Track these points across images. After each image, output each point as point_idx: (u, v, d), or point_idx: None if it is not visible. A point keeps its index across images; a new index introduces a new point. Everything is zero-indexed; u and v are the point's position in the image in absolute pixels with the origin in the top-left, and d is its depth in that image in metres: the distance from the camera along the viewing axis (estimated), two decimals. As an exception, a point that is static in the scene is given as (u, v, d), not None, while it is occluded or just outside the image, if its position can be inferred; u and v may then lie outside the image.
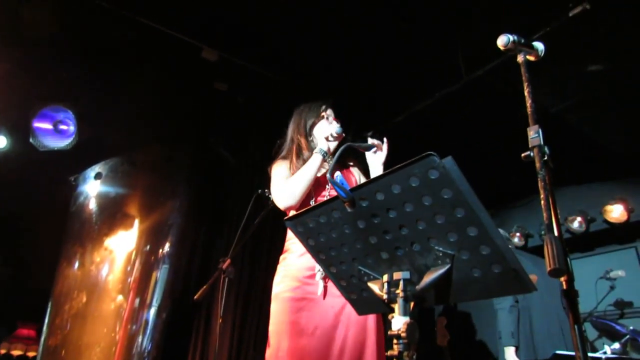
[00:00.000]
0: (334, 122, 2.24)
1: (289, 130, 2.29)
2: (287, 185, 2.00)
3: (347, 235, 1.18)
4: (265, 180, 2.33)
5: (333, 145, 2.11)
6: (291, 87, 4.07)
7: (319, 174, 2.06)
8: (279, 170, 2.12)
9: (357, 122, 4.27)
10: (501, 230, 3.90)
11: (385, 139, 2.07)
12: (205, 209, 4.66)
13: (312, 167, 2.02)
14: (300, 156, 2.15)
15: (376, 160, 2.05)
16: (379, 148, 2.05)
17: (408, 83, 4.03)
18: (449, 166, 0.96)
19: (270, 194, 2.80)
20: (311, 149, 2.16)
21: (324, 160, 2.06)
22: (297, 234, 1.27)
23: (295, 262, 1.96)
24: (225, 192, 4.72)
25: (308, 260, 1.90)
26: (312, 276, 1.90)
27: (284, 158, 2.20)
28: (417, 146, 2.02)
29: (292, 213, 2.13)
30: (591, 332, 4.02)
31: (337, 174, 1.97)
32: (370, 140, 1.98)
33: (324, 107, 2.27)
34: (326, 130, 2.09)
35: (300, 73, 4.01)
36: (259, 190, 2.83)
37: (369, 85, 4.11)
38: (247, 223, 2.99)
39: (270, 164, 2.21)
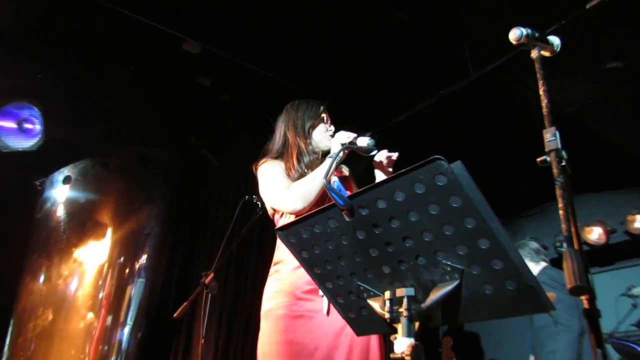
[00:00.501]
0: (331, 126, 2.26)
1: (279, 128, 2.29)
2: (298, 186, 1.96)
3: (345, 247, 1.17)
4: (252, 186, 2.32)
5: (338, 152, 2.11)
6: (282, 84, 4.08)
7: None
8: (275, 171, 2.08)
9: (353, 122, 4.28)
10: (533, 243, 3.92)
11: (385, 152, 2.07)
12: (186, 216, 4.65)
13: (330, 171, 2.00)
14: (302, 160, 2.14)
15: (383, 165, 2.05)
16: (389, 163, 2.06)
17: (409, 80, 4.05)
18: (458, 172, 0.95)
19: (258, 199, 2.80)
20: (310, 153, 2.16)
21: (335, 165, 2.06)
22: (289, 246, 1.26)
23: (290, 275, 1.94)
24: (209, 198, 4.71)
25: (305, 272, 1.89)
26: (313, 291, 1.88)
27: (276, 159, 2.19)
28: (419, 148, 2.04)
29: (281, 222, 2.15)
30: (612, 355, 4.03)
31: (334, 179, 1.97)
32: (366, 141, 1.97)
33: (322, 107, 2.27)
34: (344, 135, 2.05)
35: (292, 68, 4.02)
36: (246, 197, 2.82)
37: (367, 82, 4.13)
38: (233, 232, 2.98)
39: (257, 162, 2.19)
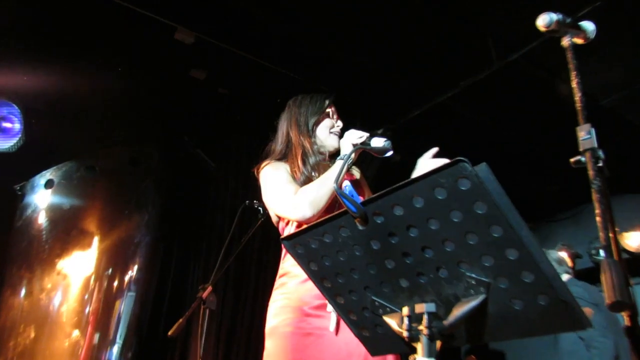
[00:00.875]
0: (339, 121, 2.26)
1: (281, 127, 2.30)
2: (307, 191, 1.96)
3: (358, 258, 1.18)
4: (253, 189, 2.33)
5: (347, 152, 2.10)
6: (285, 77, 4.08)
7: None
8: (280, 174, 2.09)
9: (364, 117, 4.28)
10: (555, 253, 3.88)
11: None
12: (180, 224, 4.67)
13: (341, 175, 1.99)
14: (307, 162, 2.14)
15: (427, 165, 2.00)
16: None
17: (425, 70, 4.05)
18: (483, 175, 0.95)
19: (260, 204, 2.81)
20: (316, 153, 2.17)
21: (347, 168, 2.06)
22: (297, 257, 1.27)
23: (298, 289, 1.94)
24: (205, 203, 4.73)
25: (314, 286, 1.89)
26: (322, 306, 1.88)
27: (280, 160, 2.20)
28: (437, 146, 2.03)
29: (287, 231, 2.15)
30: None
31: (346, 183, 1.98)
32: (381, 142, 1.97)
33: (327, 101, 2.28)
34: (355, 134, 2.06)
35: (297, 59, 4.02)
36: (247, 201, 2.82)
37: (379, 74, 4.12)
38: (232, 241, 2.99)
39: (258, 165, 2.20)
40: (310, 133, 2.22)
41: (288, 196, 2.00)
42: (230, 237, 2.89)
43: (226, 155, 4.83)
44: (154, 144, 4.65)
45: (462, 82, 4.08)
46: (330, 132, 2.24)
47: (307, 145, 2.18)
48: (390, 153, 1.97)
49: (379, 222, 1.10)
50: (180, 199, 4.72)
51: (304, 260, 1.27)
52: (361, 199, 2.20)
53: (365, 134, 2.03)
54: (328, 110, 2.27)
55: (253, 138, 4.25)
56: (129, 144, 4.55)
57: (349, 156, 1.89)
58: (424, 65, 4.01)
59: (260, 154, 2.33)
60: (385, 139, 1.97)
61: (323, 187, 1.95)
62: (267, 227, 2.47)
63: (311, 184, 2.00)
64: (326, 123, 2.24)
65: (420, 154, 2.13)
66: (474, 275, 1.05)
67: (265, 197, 2.12)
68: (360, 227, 1.13)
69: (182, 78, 4.15)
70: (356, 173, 2.35)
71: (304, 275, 1.92)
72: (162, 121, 4.60)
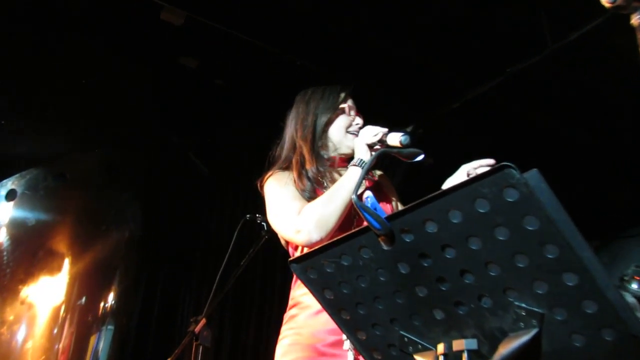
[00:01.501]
0: (358, 118, 2.25)
1: (287, 129, 2.31)
2: (312, 210, 1.96)
3: (383, 284, 1.18)
4: (256, 200, 2.35)
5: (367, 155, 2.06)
6: (295, 65, 4.09)
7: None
8: (282, 189, 2.10)
9: (390, 112, 4.29)
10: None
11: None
12: (167, 243, 4.69)
13: (350, 185, 1.98)
14: (303, 173, 2.15)
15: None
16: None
17: (464, 54, 4.05)
18: (534, 183, 0.95)
19: (263, 219, 2.81)
20: (317, 160, 2.17)
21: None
22: (308, 283, 1.28)
23: (311, 323, 1.95)
24: (197, 218, 4.76)
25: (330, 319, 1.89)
26: (338, 343, 1.89)
27: (286, 169, 2.21)
28: (478, 148, 2.03)
29: (296, 254, 2.15)
30: None
31: (367, 194, 1.97)
32: (397, 138, 1.96)
33: (342, 95, 2.28)
34: (370, 132, 2.04)
35: (309, 43, 4.03)
36: (248, 215, 2.84)
37: (406, 60, 4.13)
38: (230, 264, 3.00)
39: (262, 177, 2.22)
40: (318, 135, 2.22)
41: (290, 216, 2.00)
42: (228, 258, 2.91)
43: (223, 159, 4.85)
44: (136, 148, 4.69)
45: (508, 69, 4.08)
46: (348, 132, 2.23)
47: (305, 151, 2.19)
48: (421, 157, 1.94)
49: (407, 240, 1.11)
50: (168, 213, 4.75)
51: (317, 288, 1.27)
52: (385, 208, 2.20)
53: (382, 130, 2.02)
54: (343, 105, 2.26)
55: (256, 139, 4.25)
56: (105, 146, 4.59)
57: (369, 163, 1.88)
58: (461, 48, 4.01)
59: (265, 159, 2.34)
60: (402, 134, 1.95)
61: (331, 202, 1.95)
62: (273, 247, 2.48)
63: (317, 199, 2.00)
64: (341, 122, 2.24)
65: (457, 156, 2.12)
66: (524, 305, 1.05)
67: (268, 217, 2.15)
68: (385, 247, 1.13)
69: (170, 66, 4.18)
70: (382, 179, 2.34)
71: (317, 306, 1.92)
72: (146, 119, 4.63)
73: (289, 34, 3.95)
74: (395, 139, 1.96)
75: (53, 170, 4.44)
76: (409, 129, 4.69)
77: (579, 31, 3.68)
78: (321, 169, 2.16)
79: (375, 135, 2.01)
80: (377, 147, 2.03)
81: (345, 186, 1.98)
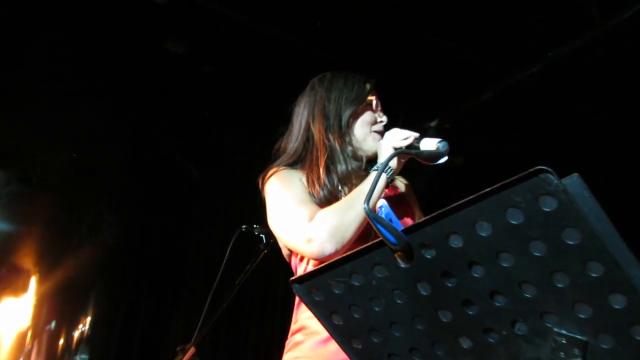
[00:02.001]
0: (383, 116, 2.26)
1: (299, 116, 2.31)
2: (328, 216, 1.94)
3: (401, 308, 1.18)
4: (252, 208, 2.35)
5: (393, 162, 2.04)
6: (299, 50, 4.09)
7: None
8: (290, 189, 2.10)
9: (412, 103, 4.29)
10: None
11: None
12: (151, 258, 4.69)
13: (375, 192, 1.96)
14: (333, 170, 2.14)
15: None
16: None
17: (499, 37, 4.04)
18: (575, 190, 0.96)
19: (263, 230, 2.82)
20: (349, 159, 2.17)
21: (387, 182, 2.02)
22: (314, 307, 1.28)
23: (317, 352, 1.95)
24: (185, 228, 4.76)
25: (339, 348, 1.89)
26: None
27: (292, 166, 2.20)
28: (511, 146, 2.03)
29: (301, 269, 2.14)
30: None
31: (381, 202, 1.98)
32: (434, 144, 1.95)
33: (368, 86, 2.28)
34: (399, 135, 2.02)
35: (313, 25, 4.03)
36: (244, 227, 2.85)
37: (431, 44, 4.13)
38: (223, 283, 3.00)
39: (264, 174, 2.22)
40: (344, 129, 2.22)
41: (300, 223, 1.98)
42: (221, 277, 2.92)
43: (215, 158, 4.85)
44: (115, 146, 4.69)
45: (550, 52, 4.07)
46: (372, 131, 2.24)
47: (338, 146, 2.18)
48: (444, 159, 1.95)
49: (428, 257, 1.11)
50: (152, 224, 4.76)
51: (323, 312, 1.28)
52: (404, 223, 2.20)
53: (413, 134, 2.01)
54: (371, 98, 2.27)
55: (254, 135, 4.26)
56: (79, 145, 4.59)
57: (386, 164, 1.88)
58: (494, 29, 4.01)
59: (265, 156, 2.33)
60: (439, 140, 1.94)
61: (351, 210, 1.93)
62: (274, 262, 2.49)
63: (334, 205, 1.98)
64: (367, 117, 2.24)
65: (489, 154, 2.13)
66: (564, 332, 1.05)
67: (270, 221, 2.13)
68: (402, 265, 1.14)
69: (154, 51, 4.18)
70: (401, 186, 2.34)
71: (326, 332, 1.92)
72: (125, 112, 4.63)
73: (291, 14, 3.95)
74: (431, 145, 1.95)
75: (16, 173, 4.45)
76: (433, 124, 4.68)
77: (632, 8, 3.67)
78: (351, 168, 2.15)
79: (405, 139, 2.00)
80: (403, 150, 2.00)
81: (366, 191, 1.96)
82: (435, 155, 1.93)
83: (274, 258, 2.40)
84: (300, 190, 2.09)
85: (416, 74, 4.31)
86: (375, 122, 2.25)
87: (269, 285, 4.54)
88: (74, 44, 4.09)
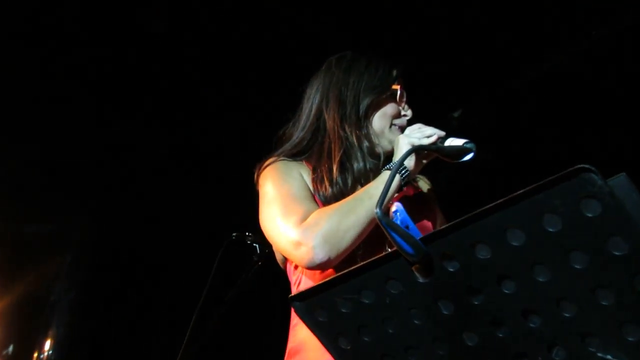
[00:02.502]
0: (408, 109, 2.26)
1: (310, 100, 2.31)
2: (323, 217, 1.94)
3: (418, 330, 1.19)
4: (246, 211, 2.35)
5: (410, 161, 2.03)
6: (305, 31, 4.09)
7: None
8: (286, 182, 2.10)
9: (433, 91, 4.29)
10: None
11: None
12: (124, 269, 4.70)
13: (388, 195, 1.94)
14: (349, 166, 2.14)
15: None
16: None
17: (530, 14, 4.04)
18: (622, 193, 0.96)
19: (256, 240, 2.82)
20: (368, 154, 2.16)
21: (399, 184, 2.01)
22: (317, 328, 1.28)
23: None
24: (166, 236, 4.76)
25: None
26: None
27: (295, 157, 2.20)
28: (548, 140, 2.03)
29: (298, 280, 2.15)
30: None
31: (397, 207, 1.98)
32: (459, 143, 1.95)
33: (394, 72, 2.28)
34: (421, 131, 2.01)
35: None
36: (234, 234, 2.85)
37: (452, 22, 4.13)
38: (210, 299, 3.01)
39: (261, 164, 2.23)
40: (362, 118, 2.22)
41: (290, 223, 1.98)
42: (208, 292, 2.92)
43: (203, 155, 4.85)
44: (83, 138, 4.68)
45: (594, 31, 4.06)
46: (393, 125, 2.24)
47: (354, 138, 2.17)
48: (470, 156, 1.94)
49: (451, 270, 1.12)
50: (127, 230, 4.76)
51: (328, 334, 1.28)
52: (422, 226, 2.19)
53: (438, 132, 2.00)
54: (395, 87, 2.27)
55: (247, 126, 4.26)
56: (40, 137, 4.58)
57: (401, 163, 1.86)
58: (524, 5, 4.01)
59: (266, 145, 2.33)
60: (466, 141, 1.94)
61: (351, 213, 1.93)
62: (270, 274, 2.49)
63: (332, 206, 1.98)
64: (389, 109, 2.24)
65: (520, 152, 2.13)
66: (609, 358, 1.05)
67: (260, 221, 2.13)
68: (420, 280, 1.14)
69: (131, 32, 4.18)
70: (423, 186, 2.34)
71: (327, 357, 1.92)
72: (97, 99, 4.62)
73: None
74: (457, 144, 1.94)
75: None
76: (456, 114, 4.68)
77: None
78: (369, 167, 2.15)
79: (429, 137, 1.99)
80: (424, 147, 1.99)
81: (373, 194, 1.95)
82: (459, 151, 1.92)
83: (272, 268, 2.39)
84: (298, 186, 2.10)
85: (439, 58, 4.31)
86: (398, 116, 2.25)
87: (263, 298, 4.53)
88: (39, 26, 4.10)
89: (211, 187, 4.79)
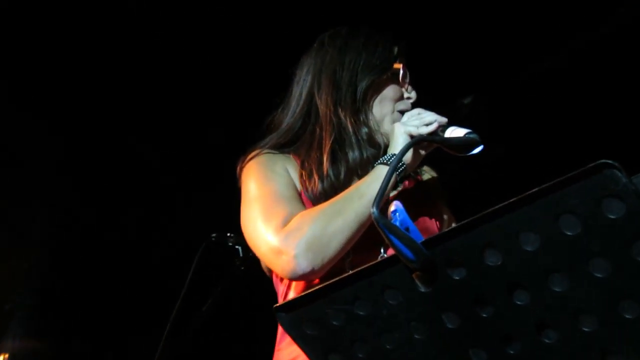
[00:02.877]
0: (412, 91, 2.25)
1: (300, 82, 2.31)
2: (304, 222, 1.93)
3: (420, 345, 1.19)
4: (229, 209, 2.35)
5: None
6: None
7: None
8: (272, 177, 2.10)
9: (444, 78, 4.30)
10: None
11: None
12: (89, 272, 4.69)
13: (372, 192, 1.93)
14: (341, 158, 2.13)
15: None
16: None
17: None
18: (649, 191, 0.96)
19: (238, 241, 2.82)
20: (364, 143, 2.15)
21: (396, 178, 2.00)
22: (305, 343, 1.28)
23: None
24: (135, 234, 4.76)
25: None
26: None
27: (281, 148, 2.20)
28: (567, 133, 2.03)
29: (285, 288, 2.14)
30: None
31: (395, 206, 1.98)
32: (462, 134, 1.95)
33: (396, 50, 2.27)
34: (420, 118, 2.00)
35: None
36: (213, 235, 2.85)
37: (468, 11, 4.14)
38: (187, 306, 3.01)
39: (243, 158, 2.22)
40: (359, 104, 2.20)
41: (270, 228, 1.97)
42: (182, 302, 2.92)
43: (181, 147, 4.86)
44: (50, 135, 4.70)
45: (623, 7, 4.07)
46: (395, 110, 2.22)
47: (350, 125, 2.16)
48: (479, 149, 1.94)
49: (457, 278, 1.12)
50: (93, 226, 4.76)
51: (317, 350, 1.29)
52: (429, 228, 2.19)
53: (439, 119, 1.99)
54: (397, 66, 2.25)
55: (234, 113, 4.27)
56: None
57: (400, 158, 1.84)
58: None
59: (250, 132, 2.33)
60: (469, 131, 1.93)
61: (338, 216, 1.91)
62: (255, 280, 2.49)
63: (317, 208, 1.97)
64: (390, 91, 2.23)
65: (538, 144, 2.13)
66: (635, 380, 1.06)
67: (241, 224, 2.13)
68: (422, 289, 1.15)
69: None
70: (427, 177, 2.33)
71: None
72: (53, 82, 4.63)
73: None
74: (459, 134, 1.94)
75: None
76: (466, 101, 4.68)
77: None
78: (366, 157, 2.13)
79: (428, 125, 1.98)
80: (423, 134, 1.97)
81: (364, 193, 1.94)
82: (467, 143, 1.92)
83: (256, 275, 2.39)
84: (282, 183, 2.09)
85: (448, 41, 4.32)
86: (400, 98, 2.23)
87: (246, 307, 4.55)
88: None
89: (187, 182, 4.79)
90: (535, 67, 4.46)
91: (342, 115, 2.16)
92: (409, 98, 2.24)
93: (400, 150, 1.68)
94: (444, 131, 1.96)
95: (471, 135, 1.91)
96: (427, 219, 2.19)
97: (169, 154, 4.83)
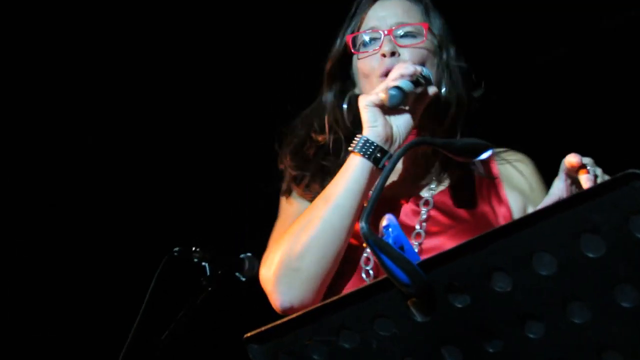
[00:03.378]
0: (390, 44, 2.21)
1: None
2: (281, 243, 1.95)
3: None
4: (192, 215, 2.35)
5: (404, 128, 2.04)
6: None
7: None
8: (293, 201, 2.14)
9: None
10: None
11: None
12: (27, 293, 4.70)
13: (345, 196, 1.93)
14: (301, 157, 2.18)
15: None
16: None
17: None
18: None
19: (205, 257, 2.82)
20: (344, 131, 2.19)
21: (377, 172, 1.97)
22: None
23: None
24: (84, 246, 4.76)
25: None
26: None
27: (303, 145, 2.23)
28: (592, 128, 2.04)
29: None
30: None
31: (388, 219, 1.97)
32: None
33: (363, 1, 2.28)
34: (388, 79, 1.99)
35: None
36: (176, 249, 2.84)
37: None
38: (142, 336, 3.00)
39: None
40: (335, 79, 2.28)
41: (267, 253, 2.02)
42: (137, 326, 2.90)
43: (151, 142, 4.87)
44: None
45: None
46: (380, 78, 2.18)
47: (338, 115, 2.22)
48: (488, 153, 1.91)
49: (459, 306, 1.12)
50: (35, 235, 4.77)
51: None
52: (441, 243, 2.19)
53: (404, 71, 1.98)
54: (370, 23, 2.26)
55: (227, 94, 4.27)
56: None
57: (388, 168, 1.82)
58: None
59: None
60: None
61: (303, 232, 1.91)
62: (226, 303, 2.49)
63: (293, 226, 1.98)
64: (363, 64, 2.23)
65: (555, 143, 2.14)
66: None
67: None
68: (418, 318, 1.14)
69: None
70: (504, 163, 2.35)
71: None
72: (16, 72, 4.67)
73: None
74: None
75: None
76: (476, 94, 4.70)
77: None
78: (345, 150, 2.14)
79: (394, 79, 1.96)
80: (395, 98, 1.92)
81: (330, 195, 1.94)
82: (473, 147, 1.90)
83: (227, 298, 2.38)
84: (296, 202, 2.14)
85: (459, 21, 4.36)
86: (381, 68, 2.19)
87: (214, 339, 4.55)
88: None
89: (147, 188, 4.79)
90: (554, 53, 4.50)
91: (320, 107, 2.27)
92: (383, 55, 2.17)
93: (391, 161, 1.60)
94: (419, 80, 1.98)
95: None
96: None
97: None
